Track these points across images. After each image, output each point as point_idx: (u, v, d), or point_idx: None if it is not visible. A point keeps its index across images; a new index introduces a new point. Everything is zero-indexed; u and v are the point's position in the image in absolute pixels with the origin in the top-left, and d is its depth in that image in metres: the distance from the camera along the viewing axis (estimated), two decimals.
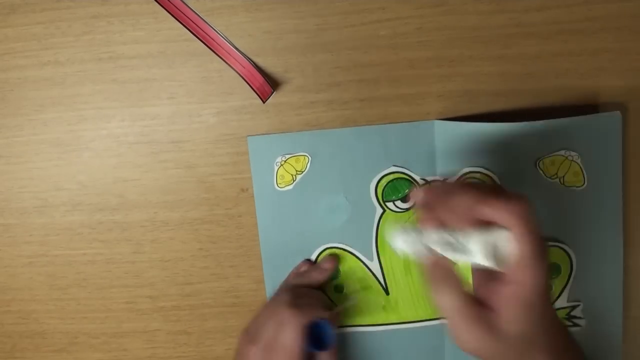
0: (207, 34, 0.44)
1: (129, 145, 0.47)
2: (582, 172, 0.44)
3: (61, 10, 0.45)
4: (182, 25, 0.44)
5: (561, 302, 0.46)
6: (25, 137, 0.48)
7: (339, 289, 0.48)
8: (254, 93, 0.45)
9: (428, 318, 0.48)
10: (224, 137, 0.47)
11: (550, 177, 0.44)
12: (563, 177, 0.44)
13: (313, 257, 0.47)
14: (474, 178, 0.45)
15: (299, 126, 0.46)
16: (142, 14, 0.45)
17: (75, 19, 0.45)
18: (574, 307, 0.46)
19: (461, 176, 0.44)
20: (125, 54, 0.46)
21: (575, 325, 0.46)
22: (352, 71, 0.45)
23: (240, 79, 0.45)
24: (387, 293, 0.48)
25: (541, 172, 0.44)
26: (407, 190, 0.46)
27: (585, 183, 0.44)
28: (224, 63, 0.45)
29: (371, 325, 0.48)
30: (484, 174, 0.45)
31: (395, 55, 0.45)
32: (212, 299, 0.50)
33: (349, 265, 0.47)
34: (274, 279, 0.48)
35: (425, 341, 0.48)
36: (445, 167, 0.45)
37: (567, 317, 0.46)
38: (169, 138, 0.47)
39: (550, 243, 0.45)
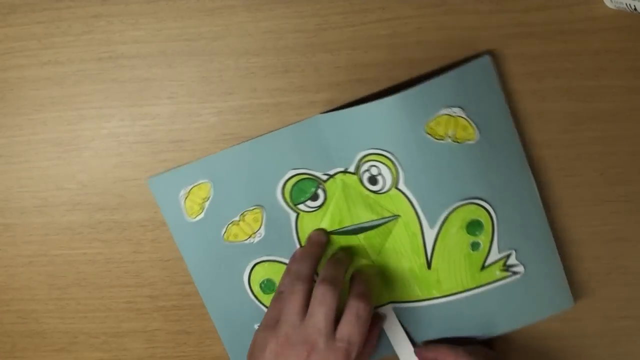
0: None
1: (129, 145, 0.47)
2: (471, 124, 0.43)
3: (61, 10, 0.45)
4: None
5: (494, 256, 0.45)
6: (25, 137, 0.48)
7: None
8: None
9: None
10: (224, 137, 0.47)
11: (440, 139, 0.43)
12: (454, 134, 0.43)
13: (246, 276, 0.47)
14: (374, 160, 0.44)
15: None
16: (142, 14, 0.45)
17: (75, 18, 0.45)
18: (507, 257, 0.45)
19: None
20: (125, 53, 0.46)
21: (516, 273, 0.46)
22: (352, 71, 0.45)
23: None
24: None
25: (430, 136, 0.43)
26: (313, 189, 0.46)
27: (479, 134, 0.44)
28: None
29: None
30: (380, 154, 0.44)
31: (395, 55, 0.45)
32: None
33: (275, 273, 0.47)
34: (215, 304, 0.48)
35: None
36: (342, 157, 0.45)
37: (504, 268, 0.46)
38: (169, 138, 0.47)
39: (465, 202, 0.44)
